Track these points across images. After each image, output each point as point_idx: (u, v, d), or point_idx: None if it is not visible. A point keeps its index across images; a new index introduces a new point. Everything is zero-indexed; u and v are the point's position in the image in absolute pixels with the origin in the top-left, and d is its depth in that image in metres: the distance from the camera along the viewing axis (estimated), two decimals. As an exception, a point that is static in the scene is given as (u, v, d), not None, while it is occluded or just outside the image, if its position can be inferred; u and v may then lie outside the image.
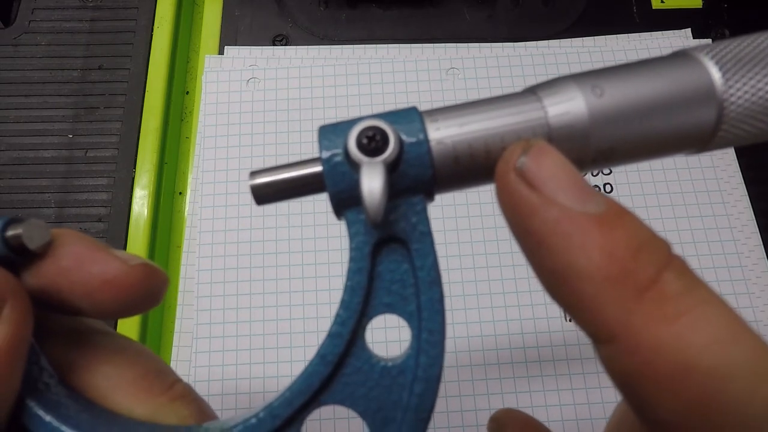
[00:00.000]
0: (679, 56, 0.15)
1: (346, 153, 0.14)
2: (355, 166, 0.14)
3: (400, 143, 0.14)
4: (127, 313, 0.16)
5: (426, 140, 0.14)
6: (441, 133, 0.14)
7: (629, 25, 0.42)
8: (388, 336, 0.33)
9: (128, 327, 0.33)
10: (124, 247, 0.35)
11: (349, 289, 0.15)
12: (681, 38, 0.40)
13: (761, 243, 0.35)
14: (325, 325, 0.33)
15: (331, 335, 0.15)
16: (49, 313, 0.16)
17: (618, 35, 0.41)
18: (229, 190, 0.37)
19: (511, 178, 0.13)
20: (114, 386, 0.16)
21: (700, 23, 0.41)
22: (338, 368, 0.15)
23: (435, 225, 0.35)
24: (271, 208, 0.36)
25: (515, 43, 0.41)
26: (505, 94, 0.15)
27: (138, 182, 0.37)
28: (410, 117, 0.14)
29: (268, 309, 0.34)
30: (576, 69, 0.39)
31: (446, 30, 0.42)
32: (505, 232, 0.35)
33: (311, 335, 0.33)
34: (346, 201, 0.15)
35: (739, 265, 0.35)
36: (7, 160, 0.38)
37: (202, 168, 0.37)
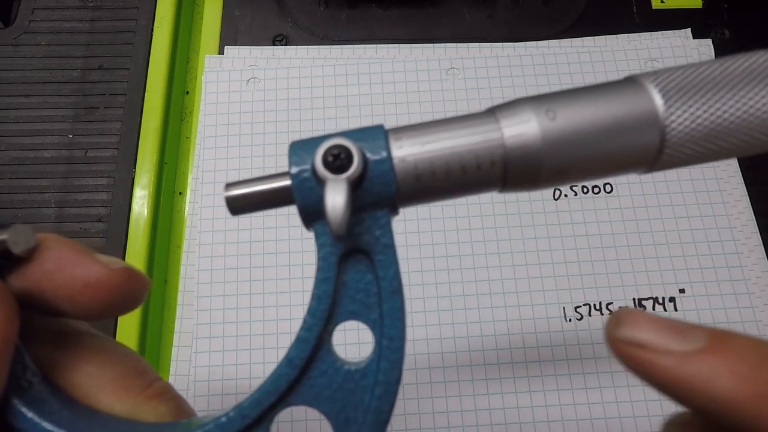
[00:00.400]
0: (628, 82, 0.16)
1: (313, 170, 0.15)
2: (321, 183, 0.15)
3: (364, 161, 0.15)
4: (109, 314, 0.17)
5: (389, 158, 0.15)
6: (404, 151, 0.15)
7: (629, 25, 0.42)
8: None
9: (129, 327, 0.33)
10: (124, 247, 0.35)
11: (316, 297, 0.16)
12: (681, 38, 0.40)
13: (761, 243, 0.35)
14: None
15: (299, 340, 0.16)
16: (33, 314, 0.17)
17: (618, 35, 0.41)
18: (229, 190, 0.37)
19: (625, 349, 0.14)
20: (95, 385, 0.17)
21: (700, 23, 0.41)
22: (305, 371, 0.16)
23: (435, 225, 0.35)
24: (271, 208, 0.36)
25: (515, 43, 0.41)
26: (468, 114, 0.16)
27: (138, 182, 0.37)
28: (375, 135, 0.15)
29: (268, 309, 0.34)
30: (576, 69, 0.39)
31: (446, 30, 0.42)
32: (504, 232, 0.36)
33: (311, 335, 0.33)
34: (314, 214, 0.15)
35: (739, 265, 0.35)
36: (7, 160, 0.38)
37: (202, 168, 0.37)
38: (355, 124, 0.38)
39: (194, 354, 0.33)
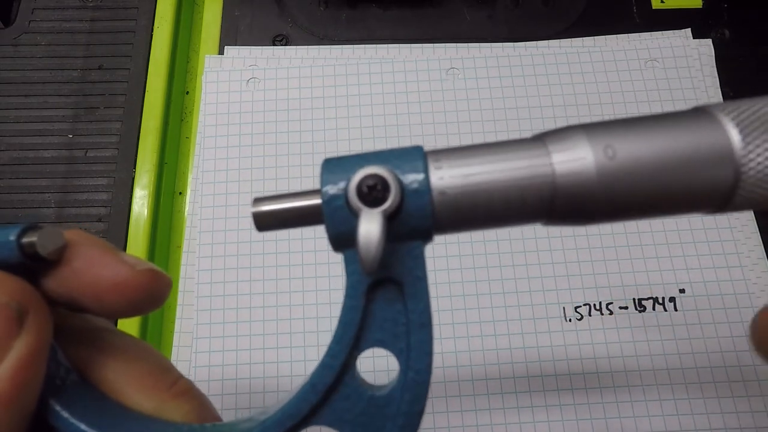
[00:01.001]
0: (697, 114, 0.14)
1: (347, 199, 0.14)
2: (354, 213, 0.14)
3: (402, 192, 0.14)
4: (133, 313, 0.17)
5: (428, 190, 0.14)
6: (444, 183, 0.14)
7: (629, 25, 0.42)
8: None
9: (129, 327, 0.33)
10: (124, 248, 0.35)
11: (342, 324, 0.15)
12: (681, 38, 0.40)
13: (761, 243, 0.35)
14: (326, 324, 0.33)
15: (323, 366, 0.15)
16: (58, 309, 0.17)
17: (618, 35, 0.41)
18: (229, 190, 0.37)
19: None
20: (122, 382, 0.17)
21: (700, 23, 0.41)
22: (328, 395, 0.15)
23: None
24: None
25: (515, 43, 0.41)
26: (513, 141, 0.14)
27: (138, 182, 0.37)
28: (414, 161, 0.14)
29: (268, 309, 0.34)
30: (576, 69, 0.39)
31: (446, 30, 0.42)
32: (504, 233, 0.35)
33: (311, 335, 0.33)
34: (345, 242, 0.15)
35: (739, 265, 0.35)
36: (7, 160, 0.38)
37: (202, 168, 0.37)
38: (354, 124, 0.38)
39: (194, 354, 0.33)
